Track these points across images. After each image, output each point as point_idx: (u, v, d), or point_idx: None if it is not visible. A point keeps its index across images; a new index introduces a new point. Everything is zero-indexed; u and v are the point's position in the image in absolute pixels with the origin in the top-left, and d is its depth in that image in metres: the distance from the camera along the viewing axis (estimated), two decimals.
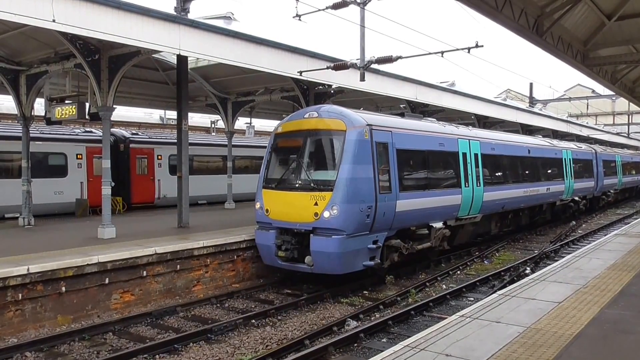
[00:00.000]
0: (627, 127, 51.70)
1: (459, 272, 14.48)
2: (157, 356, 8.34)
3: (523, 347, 5.88)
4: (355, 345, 8.71)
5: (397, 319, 9.87)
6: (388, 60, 13.79)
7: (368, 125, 11.81)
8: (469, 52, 12.89)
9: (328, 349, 8.26)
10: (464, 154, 15.60)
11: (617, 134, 50.54)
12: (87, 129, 22.21)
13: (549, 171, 22.77)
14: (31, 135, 16.45)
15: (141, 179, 22.43)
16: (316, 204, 11.24)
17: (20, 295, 9.24)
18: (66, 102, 15.18)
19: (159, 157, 22.97)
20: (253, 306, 11.21)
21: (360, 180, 11.34)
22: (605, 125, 54.02)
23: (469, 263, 15.47)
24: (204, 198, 24.23)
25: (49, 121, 15.61)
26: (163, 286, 11.52)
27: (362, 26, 13.88)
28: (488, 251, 17.13)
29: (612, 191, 33.71)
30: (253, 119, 26.16)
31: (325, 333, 9.21)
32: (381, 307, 10.87)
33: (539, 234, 21.94)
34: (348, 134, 11.45)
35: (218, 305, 11.29)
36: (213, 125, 37.14)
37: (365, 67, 14.17)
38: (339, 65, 14.48)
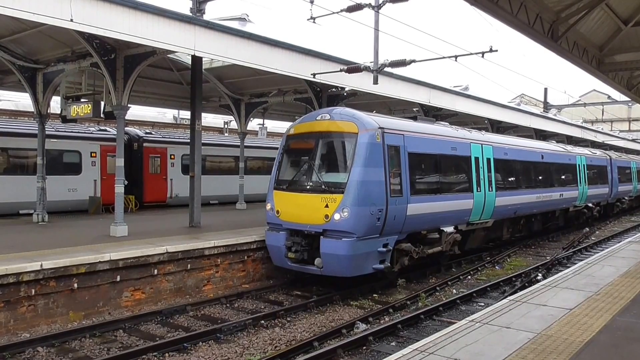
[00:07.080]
0: None
1: (469, 277, 14.41)
2: (166, 354, 8.40)
3: (533, 353, 5.84)
4: (364, 348, 8.71)
5: (406, 323, 9.85)
6: (402, 63, 13.79)
7: (380, 128, 11.80)
8: (483, 56, 12.87)
9: (337, 351, 8.28)
10: (477, 159, 15.52)
11: (633, 140, 49.96)
12: (102, 128, 22.42)
13: (563, 177, 22.58)
14: (47, 132, 16.67)
15: (154, 178, 22.61)
16: (327, 206, 11.24)
17: (33, 290, 9.35)
18: (82, 100, 15.38)
19: (172, 156, 23.15)
20: (262, 307, 11.24)
21: (371, 183, 11.33)
22: (621, 131, 53.41)
23: (479, 268, 15.39)
24: (216, 198, 24.36)
25: (64, 119, 15.85)
26: (173, 285, 11.59)
27: (376, 29, 13.90)
28: (499, 256, 17.02)
29: (626, 198, 33.36)
30: (266, 120, 26.25)
31: (334, 335, 9.22)
32: (391, 310, 10.86)
33: (552, 240, 21.75)
34: (360, 137, 11.45)
35: (228, 305, 11.33)
36: (226, 126, 37.27)
37: (378, 70, 14.19)
38: (353, 68, 14.49)
